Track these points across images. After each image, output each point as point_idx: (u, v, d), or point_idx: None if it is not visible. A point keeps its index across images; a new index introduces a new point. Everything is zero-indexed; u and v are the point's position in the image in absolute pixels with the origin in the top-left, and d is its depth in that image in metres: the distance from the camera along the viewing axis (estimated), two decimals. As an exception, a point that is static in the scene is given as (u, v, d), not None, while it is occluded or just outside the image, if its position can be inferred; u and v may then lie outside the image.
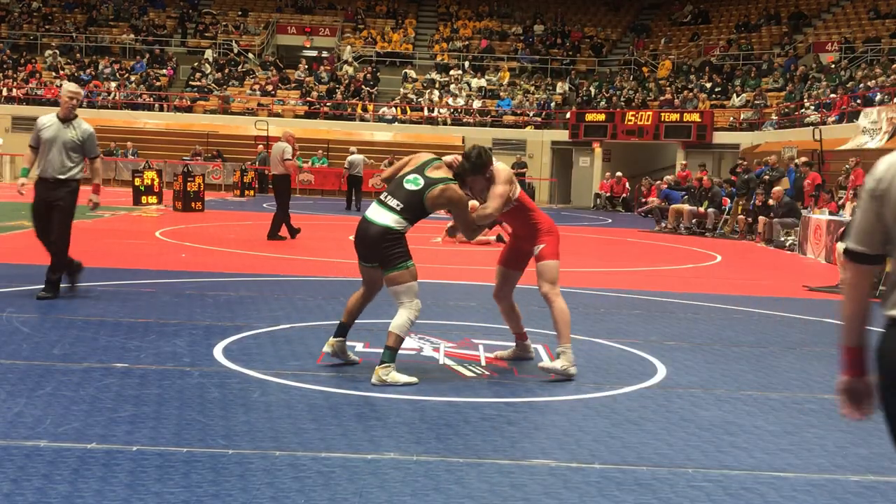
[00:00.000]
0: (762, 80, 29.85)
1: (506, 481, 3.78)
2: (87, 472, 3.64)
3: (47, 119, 7.65)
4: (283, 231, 13.93)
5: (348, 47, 34.89)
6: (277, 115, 31.10)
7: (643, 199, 25.28)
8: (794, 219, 16.01)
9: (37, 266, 9.58)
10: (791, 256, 14.93)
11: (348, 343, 6.38)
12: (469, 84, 33.15)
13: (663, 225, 19.88)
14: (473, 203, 5.71)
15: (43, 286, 7.57)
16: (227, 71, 33.32)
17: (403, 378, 5.32)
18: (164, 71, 33.37)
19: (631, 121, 28.50)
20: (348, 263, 11.23)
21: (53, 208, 7.50)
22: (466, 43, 35.57)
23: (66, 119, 7.59)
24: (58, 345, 5.87)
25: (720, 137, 27.92)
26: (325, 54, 35.18)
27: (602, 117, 29.09)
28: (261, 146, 28.43)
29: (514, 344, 6.10)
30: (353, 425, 4.44)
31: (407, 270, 5.34)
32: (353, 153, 23.17)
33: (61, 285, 7.70)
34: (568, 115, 30.15)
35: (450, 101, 32.09)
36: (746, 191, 18.80)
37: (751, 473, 4.02)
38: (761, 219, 17.01)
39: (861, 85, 24.14)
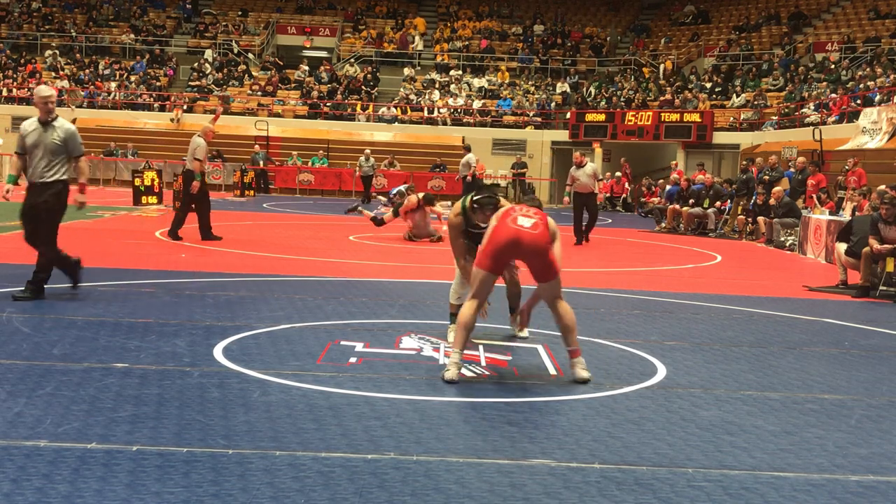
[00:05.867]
0: (762, 81, 29.86)
1: (506, 481, 3.78)
2: (87, 472, 3.64)
3: (29, 123, 7.63)
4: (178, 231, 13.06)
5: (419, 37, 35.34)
6: (277, 115, 31.11)
7: (643, 199, 25.30)
8: (794, 219, 16.02)
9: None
10: (791, 256, 14.93)
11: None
12: (469, 84, 33.16)
13: (663, 225, 19.90)
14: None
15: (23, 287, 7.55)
16: (226, 71, 33.32)
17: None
18: (165, 71, 33.38)
19: (631, 121, 28.50)
20: (349, 263, 11.25)
21: (40, 211, 7.49)
22: (466, 43, 35.58)
23: (47, 122, 7.55)
24: (58, 345, 5.87)
25: (720, 137, 27.93)
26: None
27: (602, 117, 29.09)
28: (257, 146, 28.49)
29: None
30: (353, 425, 4.43)
31: None
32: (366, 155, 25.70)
33: (67, 285, 7.75)
34: (568, 115, 30.15)
35: (450, 101, 32.09)
36: (746, 191, 18.81)
37: (751, 473, 4.02)
38: (761, 219, 17.01)
39: (861, 85, 24.14)
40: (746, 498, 3.71)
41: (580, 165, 15.49)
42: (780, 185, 17.29)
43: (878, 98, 22.20)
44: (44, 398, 4.65)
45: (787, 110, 26.84)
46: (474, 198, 6.29)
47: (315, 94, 32.22)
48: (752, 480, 3.92)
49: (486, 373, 5.72)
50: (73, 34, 34.99)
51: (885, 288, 10.19)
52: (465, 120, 31.38)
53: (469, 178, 21.67)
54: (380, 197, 19.91)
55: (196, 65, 33.37)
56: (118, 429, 4.21)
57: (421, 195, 14.71)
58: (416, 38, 35.57)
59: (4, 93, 31.39)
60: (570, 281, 10.14)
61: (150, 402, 4.66)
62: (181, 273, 9.59)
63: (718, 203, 19.25)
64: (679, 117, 28.16)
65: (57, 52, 33.98)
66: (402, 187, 15.96)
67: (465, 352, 6.25)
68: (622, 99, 30.83)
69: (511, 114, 31.69)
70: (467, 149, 22.71)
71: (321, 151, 29.64)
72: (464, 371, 5.72)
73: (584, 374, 5.52)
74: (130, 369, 5.32)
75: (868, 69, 25.35)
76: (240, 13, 37.40)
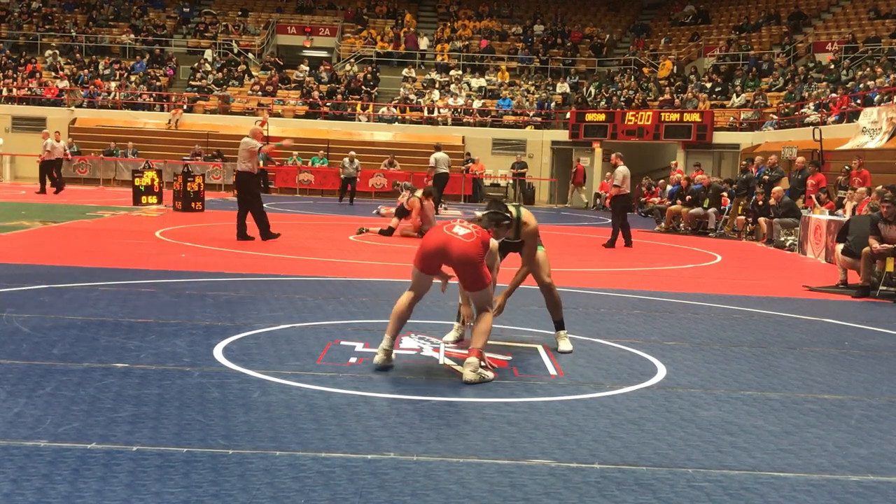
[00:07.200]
0: (762, 80, 29.85)
1: (506, 481, 3.78)
2: (87, 472, 3.64)
3: None
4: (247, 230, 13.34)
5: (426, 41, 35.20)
6: (277, 115, 31.10)
7: (643, 199, 25.29)
8: (794, 219, 16.02)
9: (37, 266, 9.60)
10: (791, 256, 14.93)
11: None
12: (469, 84, 33.15)
13: (662, 225, 19.91)
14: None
15: None
16: (226, 71, 33.31)
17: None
18: (164, 71, 33.38)
19: (631, 121, 28.49)
20: (349, 263, 11.25)
21: None
22: (466, 43, 35.58)
23: None
24: (58, 345, 5.87)
25: (720, 137, 27.92)
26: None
27: (602, 117, 29.08)
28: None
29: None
30: (353, 425, 4.43)
31: None
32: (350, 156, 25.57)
33: None
34: (568, 115, 30.15)
35: (450, 101, 32.09)
36: (746, 191, 18.81)
37: (751, 473, 4.02)
38: (762, 219, 17.01)
39: (861, 85, 24.13)
40: (746, 498, 3.71)
41: (615, 166, 15.75)
42: (780, 185, 17.30)
43: (878, 98, 22.19)
44: (44, 398, 4.65)
45: (787, 110, 26.84)
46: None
47: (315, 93, 32.22)
48: (752, 480, 3.92)
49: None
50: (73, 34, 34.98)
51: (885, 288, 10.19)
52: (465, 120, 31.38)
53: (428, 179, 22.51)
54: (381, 208, 20.39)
55: (196, 65, 33.37)
56: (118, 429, 4.21)
57: (420, 193, 15.60)
58: (423, 38, 35.67)
59: (4, 93, 31.38)
60: (570, 281, 10.15)
61: (150, 402, 4.66)
62: (181, 273, 9.59)
63: (723, 195, 19.24)
64: (679, 117, 28.15)
65: (57, 52, 33.97)
66: (405, 196, 16.06)
67: (465, 352, 6.25)
68: (622, 99, 30.83)
69: (511, 114, 31.68)
70: (437, 148, 23.58)
71: (321, 151, 29.64)
72: (462, 370, 5.71)
73: (469, 375, 5.39)
74: (130, 369, 5.32)
75: (868, 69, 25.35)
76: (240, 13, 37.39)
